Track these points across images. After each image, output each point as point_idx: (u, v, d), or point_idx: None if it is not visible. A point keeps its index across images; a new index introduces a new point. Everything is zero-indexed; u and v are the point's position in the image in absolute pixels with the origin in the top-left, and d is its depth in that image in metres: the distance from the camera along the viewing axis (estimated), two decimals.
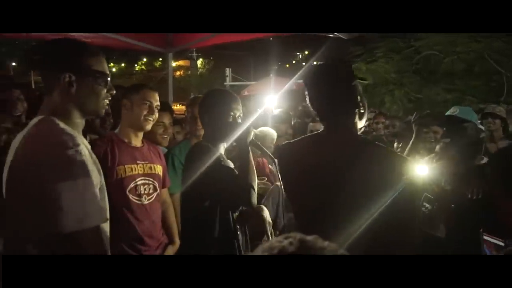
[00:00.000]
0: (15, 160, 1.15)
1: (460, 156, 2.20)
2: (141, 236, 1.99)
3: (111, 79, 1.31)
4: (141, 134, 2.10)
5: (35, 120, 1.22)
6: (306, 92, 1.46)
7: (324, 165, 1.33)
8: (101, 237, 1.18)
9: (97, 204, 1.14)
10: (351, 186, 1.27)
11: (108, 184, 1.35)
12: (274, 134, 2.90)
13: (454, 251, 1.95)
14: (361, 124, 1.44)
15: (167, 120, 2.38)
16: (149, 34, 3.62)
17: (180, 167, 2.36)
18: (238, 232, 1.71)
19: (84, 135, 1.35)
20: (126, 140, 2.04)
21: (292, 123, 4.31)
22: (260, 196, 2.22)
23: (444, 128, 2.46)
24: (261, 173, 2.73)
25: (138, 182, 2.01)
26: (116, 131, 2.10)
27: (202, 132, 1.92)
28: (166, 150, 2.57)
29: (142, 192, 2.01)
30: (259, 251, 0.62)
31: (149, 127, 2.07)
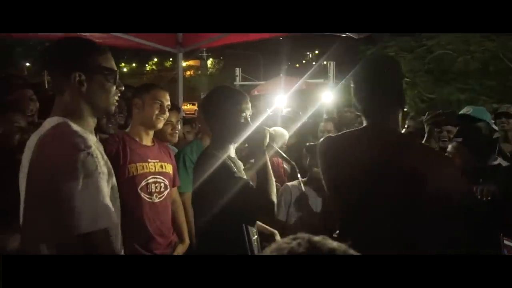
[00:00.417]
0: (31, 161, 1.17)
1: (473, 155, 2.17)
2: (152, 235, 2.00)
3: (122, 78, 1.32)
4: (151, 133, 2.12)
5: (48, 121, 1.23)
6: (353, 86, 1.43)
7: (368, 162, 1.32)
8: (114, 237, 1.19)
9: (109, 205, 1.15)
10: (394, 184, 1.26)
11: (120, 183, 1.36)
12: (286, 134, 2.87)
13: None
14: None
15: (174, 118, 2.41)
16: (160, 34, 3.64)
17: (191, 166, 2.37)
18: (254, 244, 1.59)
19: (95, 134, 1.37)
20: (137, 139, 2.06)
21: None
22: None
23: (458, 128, 2.43)
24: (276, 173, 2.72)
25: (149, 180, 2.03)
26: (127, 130, 2.13)
27: None
28: (175, 149, 2.59)
29: (153, 190, 2.03)
30: (267, 252, 0.61)
31: (160, 125, 2.09)
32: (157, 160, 2.09)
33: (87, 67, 1.23)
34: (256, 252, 1.57)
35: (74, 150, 1.12)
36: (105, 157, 1.26)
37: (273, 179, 1.51)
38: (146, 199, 2.00)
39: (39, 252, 1.14)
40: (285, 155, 1.67)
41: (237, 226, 1.52)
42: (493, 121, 2.68)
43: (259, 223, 1.79)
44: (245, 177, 1.57)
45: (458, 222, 1.32)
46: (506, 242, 1.60)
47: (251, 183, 1.50)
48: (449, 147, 2.39)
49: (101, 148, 1.29)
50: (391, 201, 1.27)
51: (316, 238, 0.61)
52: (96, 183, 1.12)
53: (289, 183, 2.52)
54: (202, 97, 4.37)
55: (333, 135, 1.58)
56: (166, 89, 2.17)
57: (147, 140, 2.10)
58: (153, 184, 2.03)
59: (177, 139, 2.55)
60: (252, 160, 2.23)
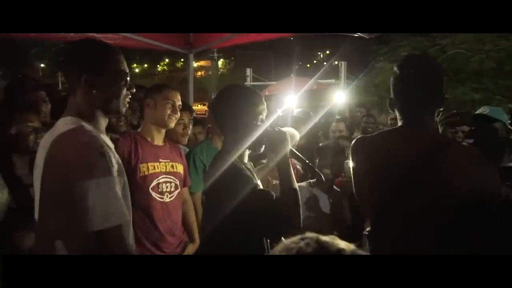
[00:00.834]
0: (45, 160, 1.19)
1: (485, 156, 2.13)
2: (163, 234, 2.02)
3: (134, 79, 1.33)
4: (163, 133, 2.14)
5: (62, 121, 1.25)
6: (393, 83, 1.41)
7: (404, 163, 1.30)
8: (126, 234, 1.21)
9: (120, 203, 1.17)
10: (430, 186, 1.25)
11: (131, 182, 1.38)
12: (298, 135, 2.84)
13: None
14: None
15: (186, 118, 2.43)
16: (171, 34, 3.67)
17: (201, 166, 2.39)
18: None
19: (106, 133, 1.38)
20: (149, 139, 2.08)
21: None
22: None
23: (472, 128, 2.38)
24: None
25: (160, 180, 2.04)
26: (139, 130, 2.15)
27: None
28: (187, 149, 2.60)
29: (164, 190, 2.05)
30: (275, 252, 0.61)
31: (172, 125, 2.11)
32: (168, 160, 2.11)
33: (98, 69, 1.24)
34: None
35: (86, 150, 1.14)
36: (116, 156, 1.27)
37: (297, 189, 1.36)
38: (157, 198, 2.02)
39: (54, 249, 1.16)
40: (301, 156, 1.50)
41: (259, 241, 1.39)
42: (509, 122, 2.63)
43: None
44: (259, 183, 1.44)
45: (494, 223, 1.30)
46: None
47: (274, 195, 1.33)
48: None
49: (113, 147, 1.30)
50: (426, 201, 1.26)
51: (325, 238, 0.60)
52: (108, 182, 1.14)
53: (299, 184, 2.51)
54: (213, 97, 4.38)
55: (367, 135, 1.55)
56: (178, 89, 2.19)
57: (159, 140, 2.12)
58: (164, 184, 2.05)
59: (186, 140, 2.56)
60: (264, 160, 2.22)
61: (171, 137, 2.30)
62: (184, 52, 4.14)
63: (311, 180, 2.41)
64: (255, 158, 1.89)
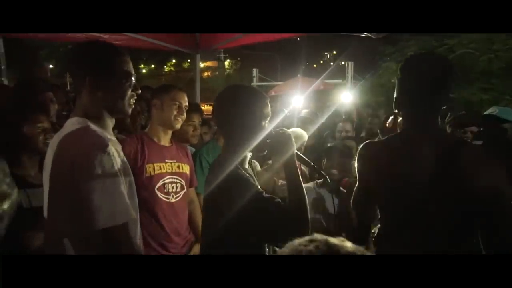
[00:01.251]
0: (54, 160, 1.21)
1: (495, 157, 2.10)
2: (169, 234, 2.03)
3: (141, 80, 1.34)
4: (170, 134, 2.15)
5: (70, 121, 1.27)
6: (399, 83, 1.38)
7: (423, 165, 1.29)
8: (132, 233, 1.22)
9: (126, 201, 1.18)
10: (447, 188, 1.24)
11: (137, 182, 1.39)
12: (305, 136, 2.81)
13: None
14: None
15: (197, 119, 2.44)
16: (178, 35, 3.68)
17: (207, 167, 2.39)
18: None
19: (115, 133, 1.39)
20: (155, 139, 2.09)
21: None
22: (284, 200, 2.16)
23: (481, 128, 2.36)
24: None
25: (166, 180, 2.05)
26: (146, 130, 2.16)
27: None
28: (193, 149, 2.61)
29: (170, 190, 2.06)
30: (284, 253, 0.61)
31: (178, 125, 2.11)
32: (174, 161, 2.11)
33: (102, 70, 1.25)
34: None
35: (92, 150, 1.15)
36: (122, 155, 1.28)
37: (305, 192, 1.30)
38: (163, 198, 2.03)
39: (63, 248, 1.17)
40: (305, 158, 1.46)
41: (260, 249, 1.33)
42: None
43: None
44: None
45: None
46: None
47: (280, 202, 1.25)
48: None
49: (119, 147, 1.31)
50: (450, 201, 1.25)
51: (334, 241, 0.60)
52: (113, 181, 1.15)
53: (305, 185, 2.50)
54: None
55: (373, 140, 1.53)
56: (184, 90, 2.19)
57: (165, 140, 2.13)
58: (169, 184, 2.06)
59: (196, 141, 2.58)
60: (270, 162, 2.21)
61: (181, 138, 2.30)
62: (191, 52, 4.16)
63: (318, 181, 2.40)
64: (261, 159, 1.89)
